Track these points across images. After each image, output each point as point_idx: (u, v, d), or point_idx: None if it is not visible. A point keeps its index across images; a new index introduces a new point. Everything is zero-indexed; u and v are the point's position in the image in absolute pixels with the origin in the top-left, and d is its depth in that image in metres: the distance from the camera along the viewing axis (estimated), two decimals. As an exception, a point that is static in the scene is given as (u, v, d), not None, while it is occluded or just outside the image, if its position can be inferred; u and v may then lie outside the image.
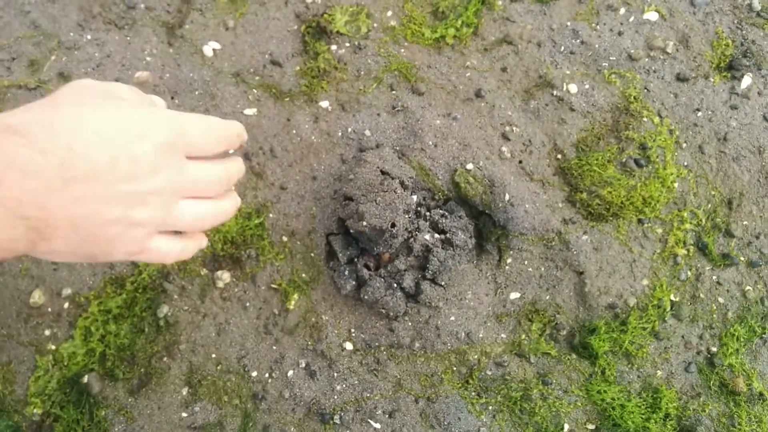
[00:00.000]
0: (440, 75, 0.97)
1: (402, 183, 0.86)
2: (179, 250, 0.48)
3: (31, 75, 0.90)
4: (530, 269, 0.92)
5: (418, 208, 0.90)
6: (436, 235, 0.89)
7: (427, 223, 0.89)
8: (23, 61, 0.91)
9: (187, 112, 0.45)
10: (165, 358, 0.86)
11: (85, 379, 0.84)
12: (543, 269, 0.92)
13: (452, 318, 0.89)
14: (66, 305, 0.86)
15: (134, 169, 0.40)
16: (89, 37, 0.92)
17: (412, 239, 0.87)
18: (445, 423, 0.86)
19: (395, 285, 0.87)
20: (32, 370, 0.85)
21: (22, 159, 0.36)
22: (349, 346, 0.88)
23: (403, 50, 0.97)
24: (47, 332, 0.86)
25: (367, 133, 0.93)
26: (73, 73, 0.91)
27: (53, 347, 0.85)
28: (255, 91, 0.94)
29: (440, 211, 0.90)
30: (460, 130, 0.94)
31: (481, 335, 0.89)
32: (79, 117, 0.39)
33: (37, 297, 0.85)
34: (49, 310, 0.86)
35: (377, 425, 0.86)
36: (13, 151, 0.36)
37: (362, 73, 0.96)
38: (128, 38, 0.93)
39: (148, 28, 0.94)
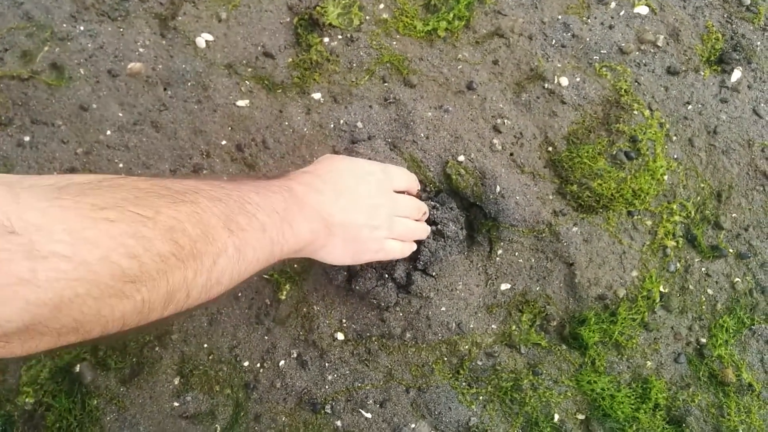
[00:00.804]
0: (432, 67, 0.98)
1: None
2: (401, 248, 0.78)
3: (23, 66, 0.91)
4: (521, 260, 0.92)
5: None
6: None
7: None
8: (16, 52, 0.91)
9: (393, 166, 0.81)
10: (157, 348, 0.87)
11: (77, 368, 0.85)
12: (533, 260, 0.92)
13: (443, 309, 0.89)
14: (58, 295, 0.86)
15: (368, 191, 0.72)
16: (82, 28, 0.93)
17: None
18: (436, 413, 0.87)
19: (386, 276, 0.87)
20: (24, 359, 0.85)
21: (314, 184, 0.67)
22: (340, 336, 0.89)
23: (395, 43, 0.98)
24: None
25: (359, 125, 0.93)
26: (66, 64, 0.91)
27: (45, 337, 0.85)
28: (247, 82, 0.94)
29: (431, 202, 0.91)
30: (452, 123, 0.95)
31: (471, 326, 0.90)
32: (336, 164, 0.73)
33: (30, 287, 0.86)
34: (42, 300, 0.86)
35: (368, 415, 0.86)
36: (309, 181, 0.67)
37: (354, 65, 0.97)
38: (121, 29, 0.94)
39: (141, 20, 0.95)
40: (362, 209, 0.70)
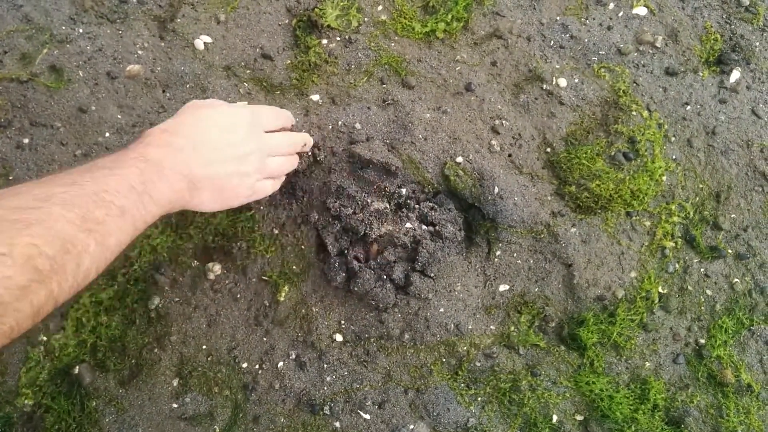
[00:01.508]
0: (430, 69, 0.98)
1: (387, 170, 0.88)
2: (272, 184, 0.80)
3: (23, 68, 0.91)
4: (519, 261, 0.92)
5: (408, 201, 0.91)
6: (425, 227, 0.89)
7: (415, 215, 0.90)
8: (15, 54, 0.91)
9: (262, 105, 0.83)
10: (156, 350, 0.87)
11: (77, 370, 0.85)
12: (532, 261, 0.92)
13: (441, 310, 0.89)
14: (57, 297, 0.87)
15: (235, 140, 0.71)
16: (81, 30, 0.93)
17: (401, 231, 0.88)
18: (435, 414, 0.87)
19: (385, 277, 0.87)
20: (24, 361, 0.85)
21: (174, 143, 0.66)
22: (339, 337, 0.89)
23: (393, 44, 0.98)
24: (39, 323, 0.86)
25: (358, 126, 0.93)
26: (65, 66, 0.91)
27: (45, 338, 0.86)
28: (246, 84, 0.95)
29: (429, 203, 0.91)
30: (450, 124, 0.95)
31: (470, 327, 0.90)
32: (198, 116, 0.71)
33: (29, 289, 0.86)
34: (41, 301, 0.86)
35: (367, 416, 0.86)
36: (168, 140, 0.66)
37: (353, 66, 0.97)
38: (120, 32, 0.94)
39: (140, 22, 0.95)
40: (229, 159, 0.70)
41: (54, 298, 0.48)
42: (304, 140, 0.85)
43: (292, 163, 0.83)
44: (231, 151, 0.70)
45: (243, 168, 0.72)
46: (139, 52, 0.94)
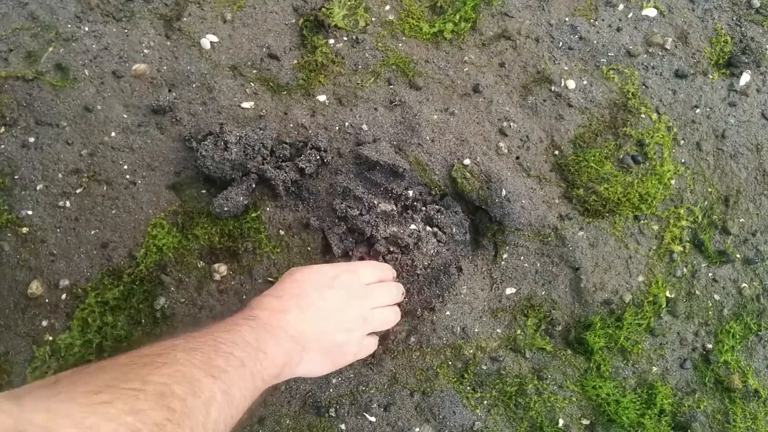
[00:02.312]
0: (438, 70, 0.97)
1: (394, 172, 0.88)
2: (374, 342, 0.80)
3: (28, 66, 0.90)
4: (526, 265, 0.92)
5: (414, 203, 0.90)
6: (429, 229, 0.89)
7: (421, 217, 0.89)
8: (21, 52, 0.91)
9: (359, 263, 0.82)
10: (161, 351, 0.86)
11: (82, 370, 0.85)
12: (539, 265, 0.92)
13: (448, 313, 0.89)
14: (63, 296, 0.87)
15: (336, 298, 0.73)
16: (87, 28, 0.92)
17: (407, 233, 0.87)
18: (440, 417, 0.86)
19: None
20: (29, 361, 0.85)
21: (279, 306, 0.69)
22: (344, 339, 0.88)
23: (401, 45, 0.97)
24: (44, 323, 0.86)
25: (365, 127, 0.93)
26: (71, 65, 0.91)
27: (50, 338, 0.86)
28: (252, 84, 0.94)
29: (436, 206, 0.90)
30: (458, 126, 0.94)
31: (476, 330, 0.89)
32: (299, 279, 0.73)
33: (35, 288, 0.86)
34: (47, 301, 0.86)
35: (372, 418, 0.86)
36: (273, 304, 0.69)
37: (360, 67, 0.96)
38: (126, 30, 0.93)
39: (146, 21, 0.94)
40: (331, 318, 0.72)
41: None
42: (402, 290, 0.84)
43: (396, 317, 0.81)
44: (333, 310, 0.72)
45: (346, 326, 0.73)
46: (145, 51, 0.93)
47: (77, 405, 0.40)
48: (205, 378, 0.51)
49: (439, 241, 0.88)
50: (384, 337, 0.88)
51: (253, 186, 0.88)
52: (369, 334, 0.78)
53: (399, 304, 0.84)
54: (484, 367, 0.89)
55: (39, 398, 0.39)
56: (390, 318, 0.80)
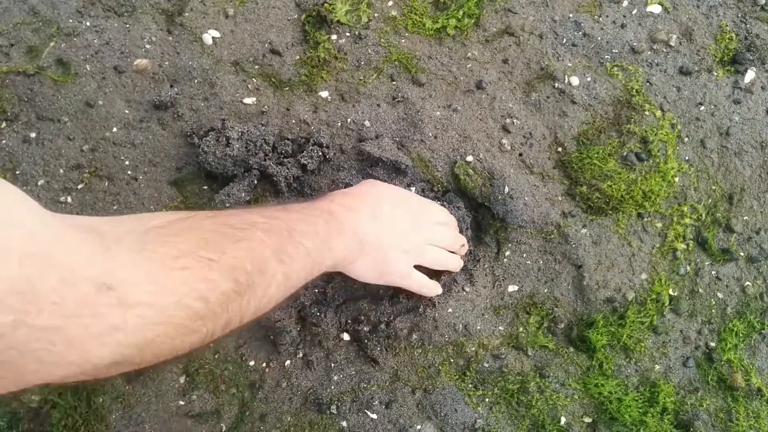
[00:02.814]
0: (441, 66, 0.96)
1: (397, 168, 0.87)
2: (427, 284, 0.82)
3: (29, 61, 0.90)
4: (529, 262, 0.91)
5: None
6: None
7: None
8: (22, 47, 0.90)
9: (433, 202, 0.86)
10: (162, 347, 0.86)
11: (83, 366, 0.84)
12: (541, 262, 0.92)
13: (450, 310, 0.89)
14: (64, 293, 0.86)
15: (404, 218, 0.78)
16: (88, 23, 0.92)
17: None
18: (442, 414, 0.86)
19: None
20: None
21: (354, 206, 0.74)
22: (346, 336, 0.88)
23: (403, 40, 0.97)
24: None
25: (367, 123, 0.92)
26: (72, 60, 0.90)
27: (51, 334, 0.85)
28: (254, 80, 0.94)
29: (438, 202, 0.90)
30: (461, 122, 0.94)
31: (478, 327, 0.89)
32: (377, 190, 0.80)
33: (35, 284, 0.85)
34: (47, 297, 0.86)
35: (374, 416, 0.86)
36: (349, 203, 0.74)
37: (362, 63, 0.96)
38: (127, 25, 0.93)
39: (148, 16, 0.94)
40: (394, 233, 0.76)
41: (241, 314, 0.52)
42: (464, 242, 0.87)
43: (453, 262, 0.85)
44: (398, 226, 0.77)
45: (403, 245, 0.77)
46: (147, 46, 0.93)
47: (159, 265, 0.43)
48: (273, 260, 0.55)
49: None
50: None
51: (255, 182, 0.87)
52: (429, 276, 0.83)
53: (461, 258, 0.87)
54: (486, 365, 0.88)
55: (126, 250, 0.42)
56: (444, 260, 0.83)
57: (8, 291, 0.32)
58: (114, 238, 0.42)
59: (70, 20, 0.92)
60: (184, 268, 0.45)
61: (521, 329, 0.90)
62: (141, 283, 0.41)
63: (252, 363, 0.87)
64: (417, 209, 0.81)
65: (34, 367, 0.35)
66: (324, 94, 0.94)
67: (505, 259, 0.91)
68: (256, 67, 0.94)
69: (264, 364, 0.87)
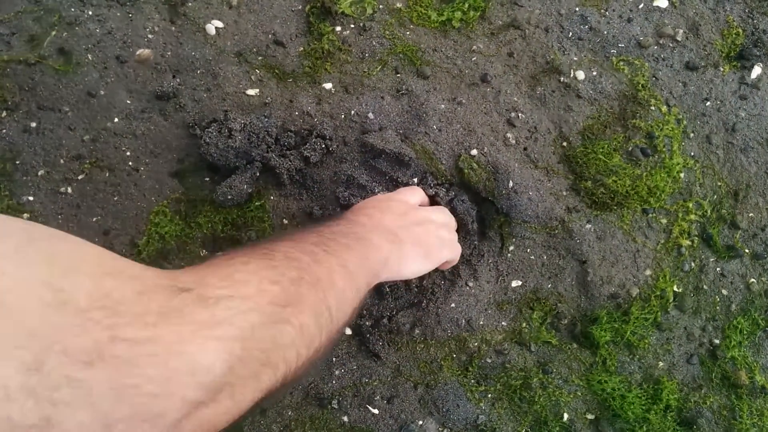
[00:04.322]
0: (446, 59, 0.96)
1: (400, 161, 0.87)
2: (452, 240, 0.81)
3: (31, 50, 0.89)
4: (532, 257, 0.91)
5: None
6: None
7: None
8: (23, 36, 0.89)
9: (397, 191, 0.84)
10: (163, 339, 0.85)
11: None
12: (545, 257, 0.91)
13: (453, 305, 0.88)
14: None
15: (396, 208, 0.76)
16: (90, 12, 0.91)
17: None
18: (444, 410, 0.86)
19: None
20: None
21: (366, 214, 0.72)
22: (348, 331, 0.87)
23: (408, 33, 0.96)
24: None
25: (371, 116, 0.91)
26: (74, 49, 0.89)
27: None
28: (258, 71, 0.93)
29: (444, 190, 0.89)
30: (465, 115, 0.93)
31: (481, 322, 0.88)
32: (378, 199, 0.79)
33: (35, 275, 0.85)
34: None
35: (375, 410, 0.85)
36: (357, 221, 0.70)
37: (367, 55, 0.95)
38: (130, 15, 0.92)
39: (150, 5, 0.93)
40: (402, 217, 0.74)
41: (326, 302, 0.50)
42: (452, 217, 0.87)
43: (453, 224, 0.85)
44: (399, 213, 0.75)
45: (417, 219, 0.76)
46: (150, 36, 0.92)
47: (222, 267, 0.44)
48: (320, 251, 0.54)
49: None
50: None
51: (257, 174, 0.87)
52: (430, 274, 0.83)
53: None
54: (489, 360, 0.88)
55: (186, 272, 0.42)
56: (449, 221, 0.83)
57: (91, 308, 0.31)
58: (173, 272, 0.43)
59: (72, 9, 0.91)
60: (245, 263, 0.45)
61: (524, 325, 0.89)
62: (213, 283, 0.41)
63: (253, 356, 0.86)
64: (400, 201, 0.79)
65: (151, 387, 0.33)
66: (328, 86, 0.93)
67: (509, 254, 0.91)
68: (260, 58, 0.93)
69: (265, 358, 0.86)
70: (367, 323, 0.86)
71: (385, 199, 0.79)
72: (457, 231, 0.87)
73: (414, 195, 0.83)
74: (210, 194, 0.88)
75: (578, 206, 0.92)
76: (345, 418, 0.85)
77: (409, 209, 0.77)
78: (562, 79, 0.95)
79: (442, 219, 0.81)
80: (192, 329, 0.36)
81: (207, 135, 0.84)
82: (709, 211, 0.94)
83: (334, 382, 0.86)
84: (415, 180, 0.89)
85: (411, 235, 0.73)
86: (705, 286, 0.92)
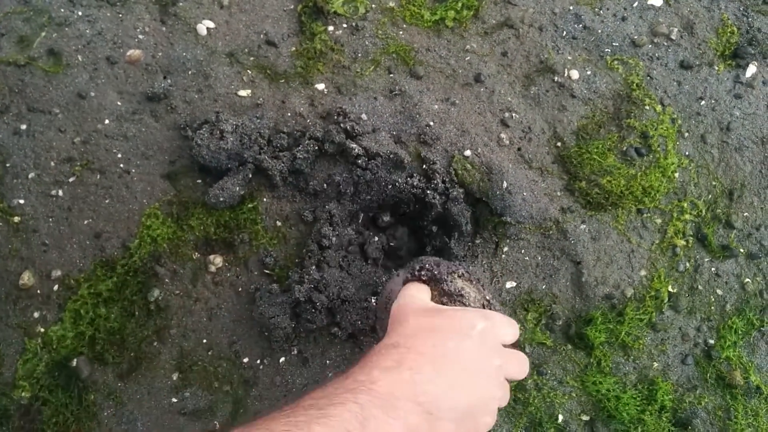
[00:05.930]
0: (439, 58, 0.95)
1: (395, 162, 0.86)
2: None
3: (20, 52, 0.88)
4: (527, 258, 0.90)
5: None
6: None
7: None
8: (13, 37, 0.88)
9: (495, 313, 0.61)
10: (155, 343, 0.85)
11: (75, 362, 0.83)
12: (540, 258, 0.90)
13: (447, 306, 0.87)
14: (56, 287, 0.85)
15: (477, 354, 0.55)
16: (80, 13, 0.90)
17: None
18: (438, 412, 0.85)
19: (394, 270, 0.86)
20: (20, 352, 0.84)
21: (408, 362, 0.52)
22: (341, 332, 0.87)
23: (401, 32, 0.95)
24: (36, 314, 0.84)
25: (364, 117, 0.91)
26: (64, 50, 0.88)
27: (42, 330, 0.84)
28: (249, 72, 0.92)
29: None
30: (459, 116, 0.92)
31: (476, 324, 0.88)
32: (431, 323, 0.57)
33: (27, 278, 0.84)
34: (39, 292, 0.85)
35: (369, 413, 0.85)
36: (400, 359, 0.52)
37: (359, 55, 0.94)
38: (120, 15, 0.91)
39: (141, 5, 0.92)
40: (470, 380, 0.54)
41: None
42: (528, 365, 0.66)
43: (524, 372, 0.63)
44: (474, 366, 0.54)
45: (483, 391, 0.54)
46: (140, 36, 0.91)
47: None
48: None
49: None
50: None
51: (250, 176, 0.86)
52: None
53: None
54: (484, 362, 0.87)
55: None
56: (509, 392, 0.60)
57: None
58: None
59: (62, 10, 0.90)
60: None
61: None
62: None
63: (246, 360, 0.86)
64: (485, 333, 0.57)
65: None
66: (320, 86, 0.92)
67: (503, 255, 0.90)
68: (251, 58, 0.93)
69: (258, 361, 0.86)
70: (362, 328, 0.86)
71: (460, 326, 0.57)
72: (452, 233, 0.87)
73: (510, 328, 0.61)
74: (202, 196, 0.87)
75: (573, 207, 0.91)
76: (339, 421, 0.85)
77: (483, 360, 0.56)
78: (556, 78, 0.95)
79: (515, 376, 0.60)
80: None
81: (199, 136, 0.84)
82: (704, 211, 0.94)
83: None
84: (415, 181, 0.88)
85: (456, 410, 0.52)
86: (700, 286, 0.92)
